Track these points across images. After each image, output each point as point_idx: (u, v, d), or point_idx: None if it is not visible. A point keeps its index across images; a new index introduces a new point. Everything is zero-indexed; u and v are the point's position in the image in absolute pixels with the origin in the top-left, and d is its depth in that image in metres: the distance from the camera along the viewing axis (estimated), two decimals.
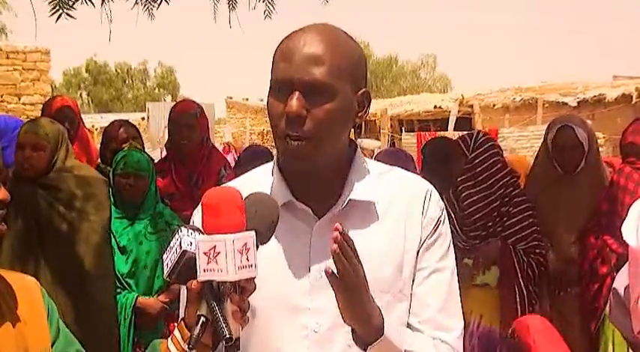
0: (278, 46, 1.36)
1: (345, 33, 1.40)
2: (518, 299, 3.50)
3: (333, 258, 1.22)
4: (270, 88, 1.36)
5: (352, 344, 1.33)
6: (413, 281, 1.41)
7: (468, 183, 3.61)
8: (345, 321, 1.27)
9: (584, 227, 3.60)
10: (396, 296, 1.38)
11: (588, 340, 3.60)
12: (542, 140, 3.87)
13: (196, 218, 1.41)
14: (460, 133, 5.05)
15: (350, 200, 1.38)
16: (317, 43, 1.32)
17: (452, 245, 1.47)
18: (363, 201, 1.39)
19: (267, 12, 4.23)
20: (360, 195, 1.39)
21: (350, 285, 1.23)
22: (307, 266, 1.36)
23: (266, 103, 1.38)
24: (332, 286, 1.23)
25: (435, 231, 1.43)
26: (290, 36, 1.36)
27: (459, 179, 3.61)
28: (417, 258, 1.41)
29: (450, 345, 1.42)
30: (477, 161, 3.61)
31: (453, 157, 3.72)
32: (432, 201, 1.45)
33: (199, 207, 1.44)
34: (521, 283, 3.49)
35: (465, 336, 3.79)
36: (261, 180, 1.44)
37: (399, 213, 1.41)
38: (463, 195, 3.60)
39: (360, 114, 1.40)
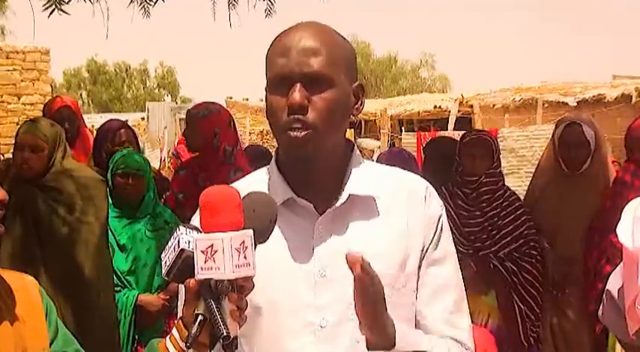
0: (271, 45, 1.39)
1: (334, 30, 1.43)
2: (519, 318, 3.52)
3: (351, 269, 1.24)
4: (269, 85, 1.38)
5: (360, 339, 1.34)
6: (418, 277, 1.43)
7: (491, 187, 3.61)
8: (361, 330, 1.28)
9: (589, 226, 3.59)
10: (399, 291, 1.39)
11: (593, 341, 3.59)
12: (542, 140, 3.88)
13: (196, 219, 1.41)
14: (460, 133, 5.03)
15: (350, 195, 1.39)
16: (312, 37, 1.35)
17: (453, 241, 1.49)
18: (364, 197, 1.40)
19: (267, 10, 4.23)
20: (360, 191, 1.40)
21: (371, 294, 1.25)
22: (311, 263, 1.37)
23: (265, 101, 1.40)
24: (354, 296, 1.25)
25: (438, 228, 1.45)
26: (283, 34, 1.39)
27: (485, 180, 3.60)
28: (421, 256, 1.43)
29: (463, 343, 1.44)
30: (498, 163, 3.64)
31: (454, 157, 3.72)
32: (433, 198, 1.47)
33: (197, 212, 1.45)
34: (518, 302, 3.53)
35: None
36: (260, 180, 1.45)
37: (400, 211, 1.42)
38: (485, 196, 3.60)
39: (356, 107, 1.43)
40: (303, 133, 1.33)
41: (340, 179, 1.41)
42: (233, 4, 4.27)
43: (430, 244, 1.43)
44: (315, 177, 1.40)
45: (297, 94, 1.32)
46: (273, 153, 1.57)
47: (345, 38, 1.44)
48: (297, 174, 1.41)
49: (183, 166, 3.93)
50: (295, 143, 1.34)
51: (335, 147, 1.41)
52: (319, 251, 1.37)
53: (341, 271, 1.34)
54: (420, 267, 1.43)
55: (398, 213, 1.42)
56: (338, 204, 1.38)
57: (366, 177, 1.43)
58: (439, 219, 1.46)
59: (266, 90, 1.40)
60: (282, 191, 1.39)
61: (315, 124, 1.33)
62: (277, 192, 1.38)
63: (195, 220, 1.40)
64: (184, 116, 4.13)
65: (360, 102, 1.44)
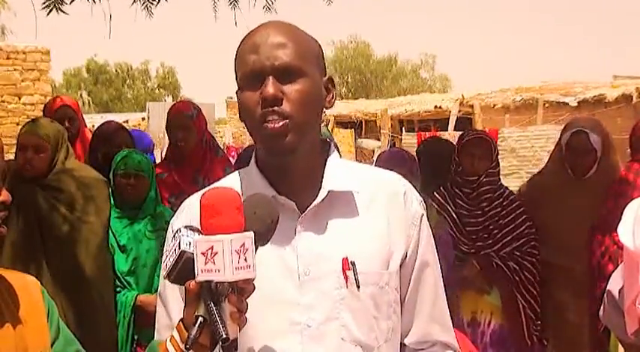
0: (239, 46, 1.40)
1: (299, 28, 1.45)
2: (523, 317, 3.53)
3: None
4: (240, 83, 1.38)
5: (345, 338, 1.35)
6: (401, 276, 1.44)
7: (491, 186, 3.62)
8: None
9: (592, 225, 3.57)
10: (383, 289, 1.40)
11: (595, 340, 3.59)
12: (542, 140, 3.87)
13: (176, 223, 1.43)
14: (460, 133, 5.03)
15: (330, 191, 1.39)
16: (279, 33, 1.38)
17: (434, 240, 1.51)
18: (344, 193, 1.41)
19: (266, 7, 4.25)
20: (340, 187, 1.40)
21: None
22: (295, 262, 1.36)
23: (237, 99, 1.40)
24: None
25: (420, 228, 1.46)
26: (249, 34, 1.40)
27: (485, 179, 3.61)
28: (404, 256, 1.43)
29: (452, 345, 1.48)
30: (497, 163, 3.64)
31: (450, 158, 3.72)
32: (413, 198, 1.48)
33: (178, 212, 1.45)
34: (521, 300, 3.54)
35: (476, 335, 3.78)
36: (241, 180, 1.45)
37: (380, 210, 1.43)
38: (486, 196, 3.61)
39: (328, 99, 1.45)
40: (280, 123, 1.33)
41: (319, 176, 1.42)
42: (234, 4, 4.28)
43: (414, 244, 1.45)
44: (295, 174, 1.40)
45: (270, 87, 1.32)
46: None
47: (311, 35, 1.46)
48: (277, 172, 1.41)
49: (159, 170, 3.83)
50: (273, 134, 1.33)
51: (312, 142, 1.41)
52: (302, 249, 1.37)
53: (325, 269, 1.36)
54: (401, 266, 1.43)
55: (378, 212, 1.43)
56: (317, 201, 1.38)
57: (345, 174, 1.43)
58: (421, 219, 1.47)
59: (237, 91, 1.40)
60: (264, 190, 1.38)
61: (291, 114, 1.33)
62: (259, 191, 1.36)
63: (177, 222, 1.42)
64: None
65: (332, 95, 1.45)
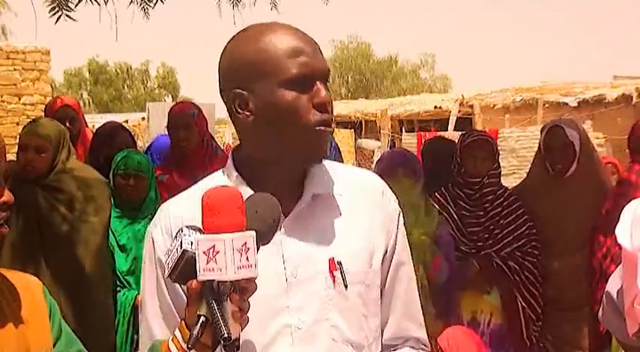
0: (271, 45, 1.33)
1: None
2: (522, 317, 3.54)
3: None
4: (281, 84, 1.31)
5: (336, 338, 1.36)
6: (381, 273, 1.45)
7: (493, 188, 3.63)
8: None
9: (593, 226, 3.57)
10: (368, 287, 1.41)
11: (595, 341, 3.59)
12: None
13: (155, 232, 1.44)
14: (460, 134, 5.03)
15: (314, 195, 1.39)
16: (308, 37, 1.37)
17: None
18: (327, 195, 1.41)
19: (272, 5, 4.27)
20: (322, 189, 1.40)
21: None
22: (281, 265, 1.36)
23: (280, 100, 1.32)
24: None
25: (399, 224, 1.48)
26: (279, 33, 1.34)
27: (487, 181, 3.61)
28: (384, 252, 1.45)
29: (423, 340, 1.51)
30: (498, 164, 3.65)
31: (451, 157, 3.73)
32: (389, 195, 1.50)
33: (154, 222, 1.45)
34: (521, 301, 3.54)
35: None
36: (219, 183, 1.39)
37: (361, 208, 1.44)
38: (488, 197, 3.61)
39: None
40: (328, 129, 1.35)
41: (301, 179, 1.41)
42: (235, 3, 4.30)
43: (392, 241, 1.46)
44: (280, 177, 1.39)
45: (326, 93, 1.33)
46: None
47: None
48: (260, 174, 1.39)
49: (159, 172, 3.81)
50: (325, 140, 1.35)
51: None
52: (288, 252, 1.36)
53: (312, 271, 1.36)
54: (382, 263, 1.44)
55: (360, 211, 1.43)
56: (302, 205, 1.38)
57: (327, 176, 1.43)
58: (398, 216, 1.48)
59: (272, 88, 1.32)
60: (243, 193, 1.33)
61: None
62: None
63: (154, 234, 1.43)
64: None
65: None
